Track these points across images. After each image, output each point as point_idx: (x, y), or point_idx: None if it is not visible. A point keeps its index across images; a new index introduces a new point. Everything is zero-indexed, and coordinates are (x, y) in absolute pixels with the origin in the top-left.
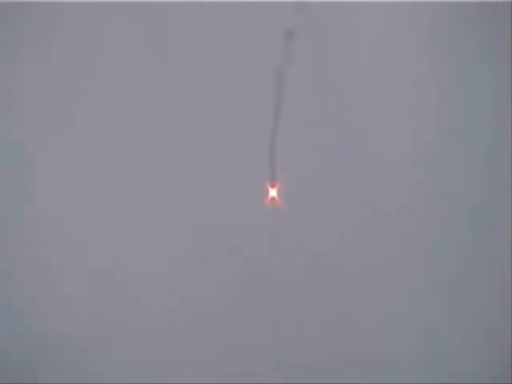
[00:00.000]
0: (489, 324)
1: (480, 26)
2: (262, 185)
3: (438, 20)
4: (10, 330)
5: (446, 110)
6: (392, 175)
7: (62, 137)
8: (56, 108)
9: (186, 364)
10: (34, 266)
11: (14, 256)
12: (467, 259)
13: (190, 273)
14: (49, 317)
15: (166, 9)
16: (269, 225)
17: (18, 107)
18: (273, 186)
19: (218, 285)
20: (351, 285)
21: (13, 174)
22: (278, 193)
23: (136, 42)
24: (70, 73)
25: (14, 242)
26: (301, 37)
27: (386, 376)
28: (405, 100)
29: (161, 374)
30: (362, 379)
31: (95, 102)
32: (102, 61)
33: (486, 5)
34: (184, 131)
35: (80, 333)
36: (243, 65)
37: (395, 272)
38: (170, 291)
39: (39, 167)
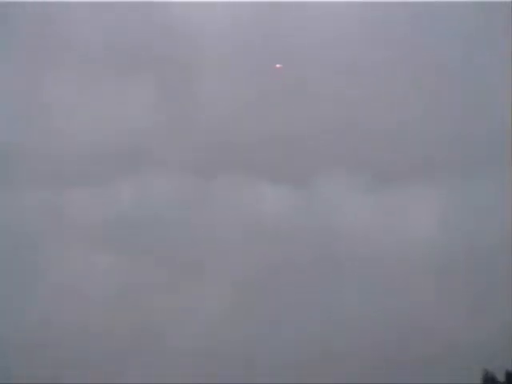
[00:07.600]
0: (489, 325)
1: (480, 26)
2: None
3: (438, 20)
4: None
5: (445, 109)
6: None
7: None
8: None
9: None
10: None
11: None
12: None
13: None
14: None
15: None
16: None
17: None
18: None
19: None
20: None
21: None
22: None
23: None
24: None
25: None
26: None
27: (386, 375)
28: (402, 100)
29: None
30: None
31: None
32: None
33: (486, 5)
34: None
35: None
36: None
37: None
38: None
39: None
